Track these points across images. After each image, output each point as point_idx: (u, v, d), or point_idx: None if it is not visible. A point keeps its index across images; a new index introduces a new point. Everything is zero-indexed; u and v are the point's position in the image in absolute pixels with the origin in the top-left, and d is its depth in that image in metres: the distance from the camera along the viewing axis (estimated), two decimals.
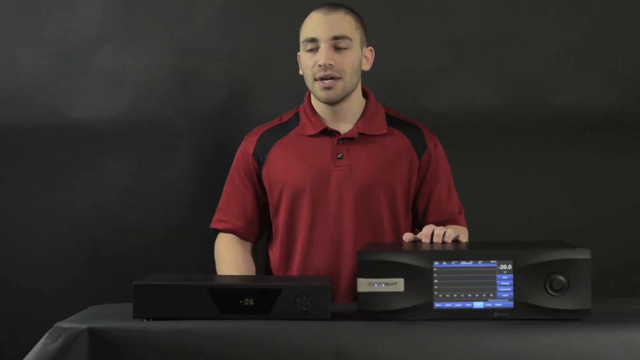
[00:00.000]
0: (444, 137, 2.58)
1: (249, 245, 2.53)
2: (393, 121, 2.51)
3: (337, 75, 2.38)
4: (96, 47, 2.97)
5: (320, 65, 2.37)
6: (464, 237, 2.22)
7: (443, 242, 2.15)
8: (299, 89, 2.51)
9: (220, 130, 2.98)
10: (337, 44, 2.38)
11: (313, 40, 2.38)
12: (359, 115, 2.48)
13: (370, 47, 2.48)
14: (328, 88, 2.39)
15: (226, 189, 2.54)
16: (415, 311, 1.91)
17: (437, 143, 2.51)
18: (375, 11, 2.91)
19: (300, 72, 2.47)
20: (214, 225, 2.54)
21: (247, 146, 2.52)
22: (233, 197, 2.51)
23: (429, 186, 2.49)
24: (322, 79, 2.38)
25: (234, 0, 3.00)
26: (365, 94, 2.52)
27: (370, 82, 2.57)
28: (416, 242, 2.18)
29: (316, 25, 2.39)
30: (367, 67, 2.48)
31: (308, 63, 2.40)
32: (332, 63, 2.37)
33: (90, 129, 2.97)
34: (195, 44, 2.99)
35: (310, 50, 2.39)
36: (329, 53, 2.37)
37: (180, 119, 2.98)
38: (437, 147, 2.51)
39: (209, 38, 2.99)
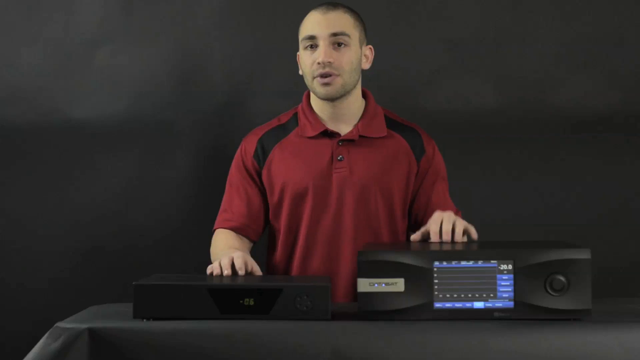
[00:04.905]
0: (443, 137, 2.58)
1: (247, 242, 2.50)
2: (392, 124, 2.50)
3: (336, 72, 2.38)
4: (96, 47, 2.97)
5: (319, 63, 2.37)
6: (473, 232, 2.20)
7: (453, 242, 2.14)
8: (299, 89, 2.51)
9: (220, 130, 2.98)
10: (336, 40, 2.38)
11: (312, 37, 2.39)
12: (358, 116, 2.48)
13: (369, 46, 2.48)
14: (327, 84, 2.39)
15: (228, 189, 2.52)
16: (415, 311, 1.91)
17: (435, 147, 2.52)
18: (375, 11, 2.91)
19: (300, 72, 2.47)
20: (220, 225, 2.50)
21: (247, 146, 2.51)
22: (236, 195, 2.49)
23: (426, 190, 2.48)
24: (320, 76, 2.38)
25: (233, 1, 2.99)
26: (364, 95, 2.52)
27: (370, 82, 2.57)
28: (424, 240, 2.18)
29: (315, 23, 2.39)
30: (366, 65, 2.48)
31: (307, 61, 2.41)
32: (331, 60, 2.37)
33: (90, 129, 2.96)
34: (195, 44, 2.98)
35: (310, 48, 2.40)
36: (328, 51, 2.37)
37: (180, 119, 2.98)
38: (435, 151, 2.51)
39: (209, 38, 2.98)
